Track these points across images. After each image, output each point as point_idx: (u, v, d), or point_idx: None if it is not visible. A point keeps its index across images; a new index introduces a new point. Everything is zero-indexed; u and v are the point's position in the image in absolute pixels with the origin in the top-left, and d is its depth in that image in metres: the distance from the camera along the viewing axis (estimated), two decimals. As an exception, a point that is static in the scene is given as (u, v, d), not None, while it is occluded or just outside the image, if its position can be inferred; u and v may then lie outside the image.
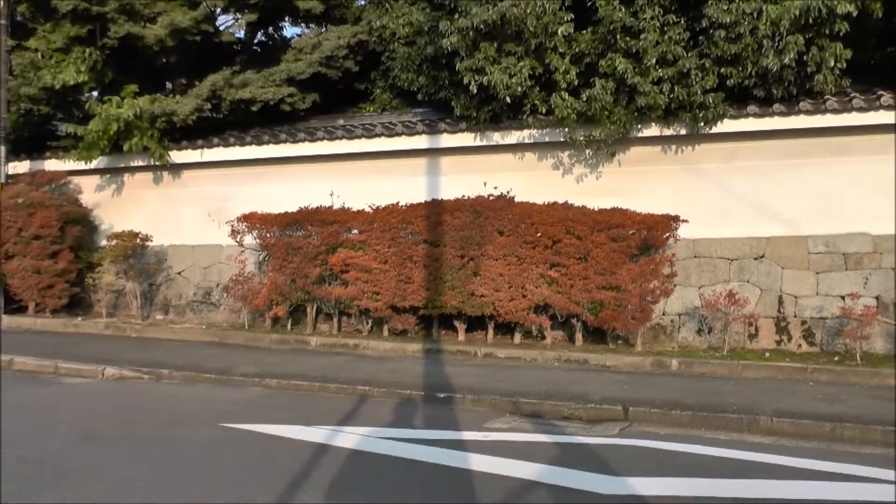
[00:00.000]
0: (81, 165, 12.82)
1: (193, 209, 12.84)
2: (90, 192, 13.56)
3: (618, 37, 9.14)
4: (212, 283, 12.80)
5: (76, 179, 13.37)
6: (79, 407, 7.07)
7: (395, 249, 10.29)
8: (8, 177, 12.82)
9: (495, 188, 10.26)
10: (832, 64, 8.78)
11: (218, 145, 12.46)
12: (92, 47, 12.58)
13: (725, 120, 9.57)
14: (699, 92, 9.13)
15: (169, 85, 13.95)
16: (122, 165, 13.17)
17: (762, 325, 9.71)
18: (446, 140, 11.02)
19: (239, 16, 13.45)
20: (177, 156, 12.72)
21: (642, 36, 9.00)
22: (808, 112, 9.25)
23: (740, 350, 9.50)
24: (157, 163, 12.59)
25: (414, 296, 10.16)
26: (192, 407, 7.18)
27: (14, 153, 13.31)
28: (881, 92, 9.18)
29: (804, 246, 9.68)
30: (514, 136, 10.65)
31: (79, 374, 8.75)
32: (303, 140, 11.85)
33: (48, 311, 12.52)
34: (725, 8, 8.67)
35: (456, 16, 9.76)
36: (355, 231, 10.70)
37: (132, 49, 12.71)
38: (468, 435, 6.13)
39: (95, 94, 13.66)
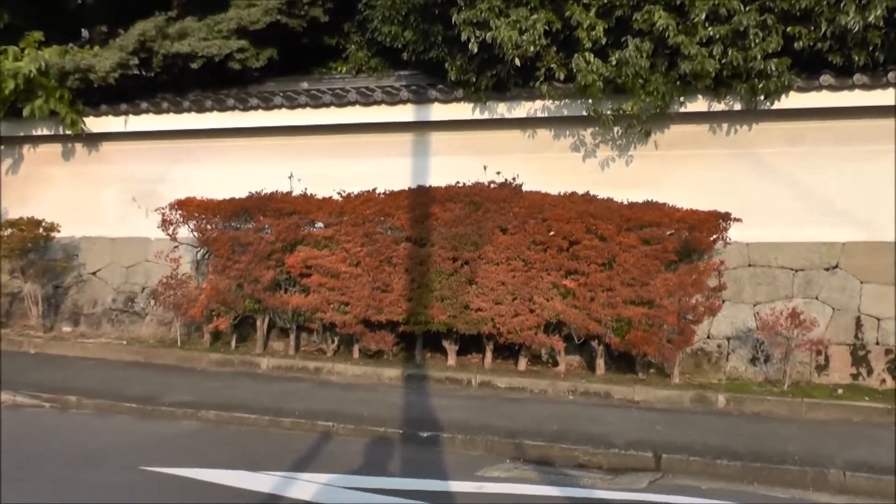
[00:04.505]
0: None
1: (114, 192, 12.75)
2: (-21, 167, 13.49)
3: (658, -16, 9.18)
4: (136, 286, 12.72)
5: (-39, 151, 13.31)
6: (-40, 441, 7.00)
7: (370, 249, 10.25)
8: None
9: (498, 173, 10.24)
10: (930, 23, 8.82)
11: (147, 111, 12.38)
12: (-19, -18, 12.52)
13: (791, 93, 9.56)
14: (759, 56, 9.11)
15: (85, 33, 13.86)
16: (22, 135, 13.05)
17: (834, 353, 9.72)
18: (438, 111, 11.00)
19: (177, -53, 13.39)
20: (94, 124, 12.63)
21: (689, -16, 9.03)
22: (897, 85, 9.31)
23: (805, 385, 9.49)
24: (69, 132, 12.50)
25: (392, 308, 10.13)
26: (107, 444, 7.12)
27: None
28: None
29: (889, 254, 9.69)
30: (523, 109, 10.65)
31: (-39, 400, 8.68)
32: (255, 107, 11.79)
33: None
34: (794, -49, 8.71)
35: (453, -47, 9.75)
36: (320, 224, 10.67)
37: (37, -13, 12.65)
38: (457, 485, 6.11)
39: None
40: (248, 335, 11.42)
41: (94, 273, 13.03)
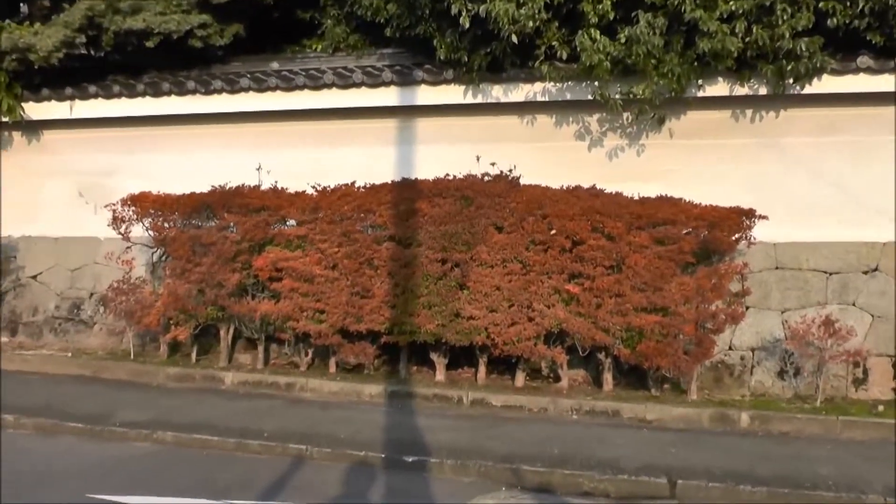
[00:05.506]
0: None
1: (58, 186, 12.75)
2: None
3: (673, -48, 9.16)
4: (83, 291, 12.72)
5: None
6: None
7: (349, 249, 10.24)
8: None
9: (493, 165, 10.22)
10: (980, -2, 8.84)
11: (96, 96, 12.36)
12: None
13: (824, 76, 9.57)
14: (787, 35, 9.10)
15: (24, 8, 13.79)
16: (-48, 122, 13.05)
17: (874, 365, 9.75)
18: (425, 94, 10.99)
19: None
20: (34, 110, 12.62)
21: (708, -48, 9.02)
22: (944, 67, 9.34)
23: (840, 401, 9.52)
24: (5, 119, 12.48)
25: (374, 316, 10.11)
26: (49, 468, 7.09)
27: None
28: None
29: (933, 256, 9.76)
30: (521, 92, 10.65)
31: None
32: (219, 91, 11.76)
33: None
34: (827, -85, 8.73)
35: (443, -84, 9.73)
36: (292, 222, 10.67)
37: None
38: (448, 516, 6.09)
39: None
40: (210, 347, 11.41)
41: (34, 277, 13.04)
